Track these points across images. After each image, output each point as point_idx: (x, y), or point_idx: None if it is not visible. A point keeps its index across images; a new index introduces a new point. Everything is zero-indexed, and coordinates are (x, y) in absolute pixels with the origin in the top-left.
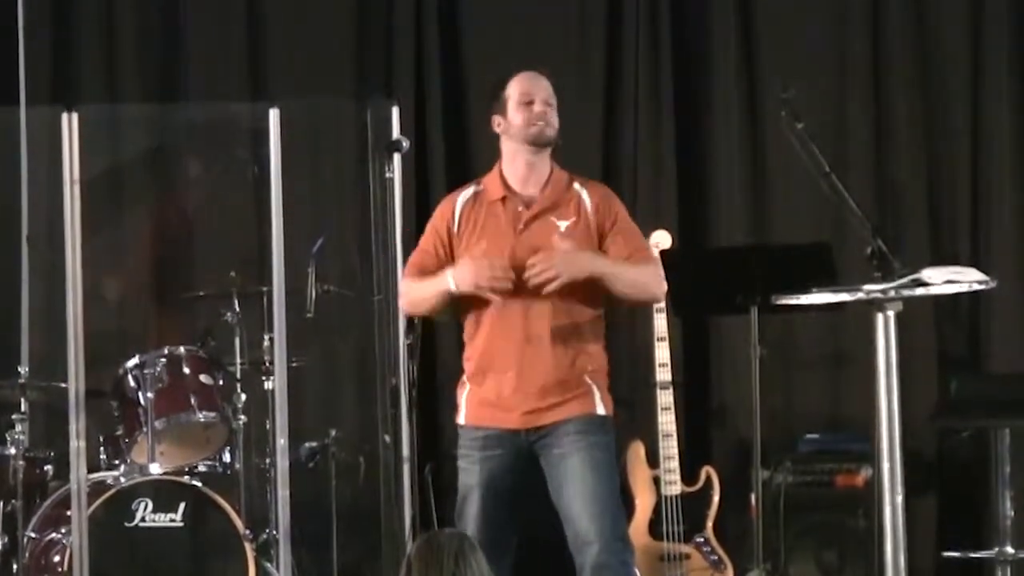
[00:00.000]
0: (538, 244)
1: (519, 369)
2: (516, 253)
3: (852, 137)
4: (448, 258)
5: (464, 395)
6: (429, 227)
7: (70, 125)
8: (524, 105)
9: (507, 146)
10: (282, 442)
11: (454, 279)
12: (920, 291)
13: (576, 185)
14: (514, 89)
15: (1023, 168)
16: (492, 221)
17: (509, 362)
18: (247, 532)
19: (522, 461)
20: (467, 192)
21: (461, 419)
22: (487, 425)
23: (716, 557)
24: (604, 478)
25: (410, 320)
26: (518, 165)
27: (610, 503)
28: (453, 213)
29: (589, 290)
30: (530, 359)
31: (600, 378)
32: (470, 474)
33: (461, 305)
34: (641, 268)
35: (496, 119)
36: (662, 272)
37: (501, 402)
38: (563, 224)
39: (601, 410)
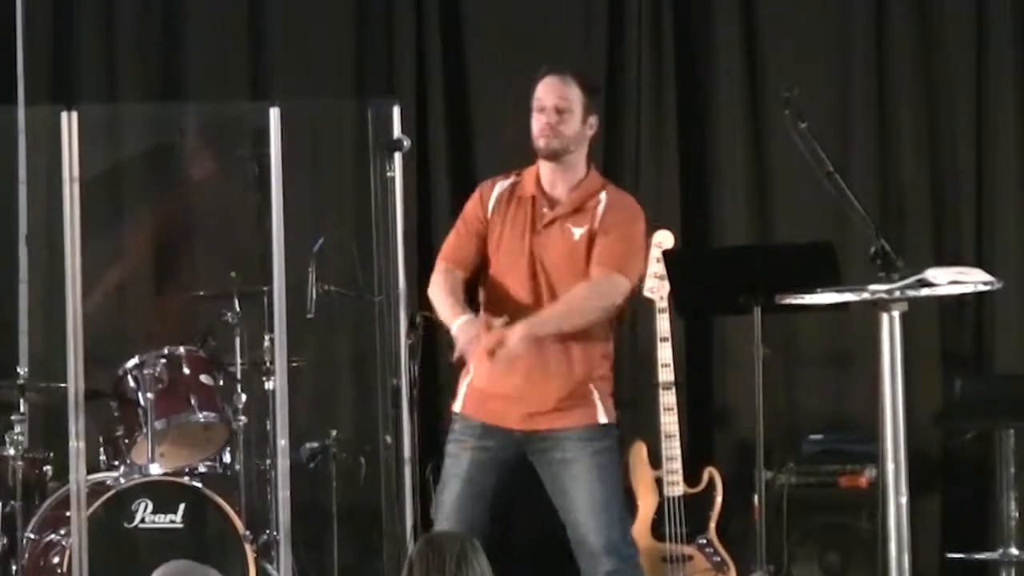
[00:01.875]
0: (552, 247)
1: (526, 370)
2: (532, 251)
3: (855, 137)
4: (481, 242)
5: (466, 382)
6: (468, 209)
7: (69, 124)
8: (536, 113)
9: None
10: (282, 443)
11: (455, 332)
12: (925, 291)
13: (603, 194)
14: (535, 93)
15: None
16: (519, 217)
17: (516, 361)
18: (247, 533)
19: (510, 460)
20: (505, 183)
21: (458, 407)
22: (483, 419)
23: (719, 558)
24: (611, 486)
25: (411, 320)
26: (544, 171)
27: (617, 511)
28: (488, 200)
29: None
30: (537, 361)
31: (604, 384)
32: (456, 462)
33: (482, 294)
34: (575, 294)
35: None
36: (617, 290)
37: (502, 399)
38: (577, 232)
39: (603, 418)
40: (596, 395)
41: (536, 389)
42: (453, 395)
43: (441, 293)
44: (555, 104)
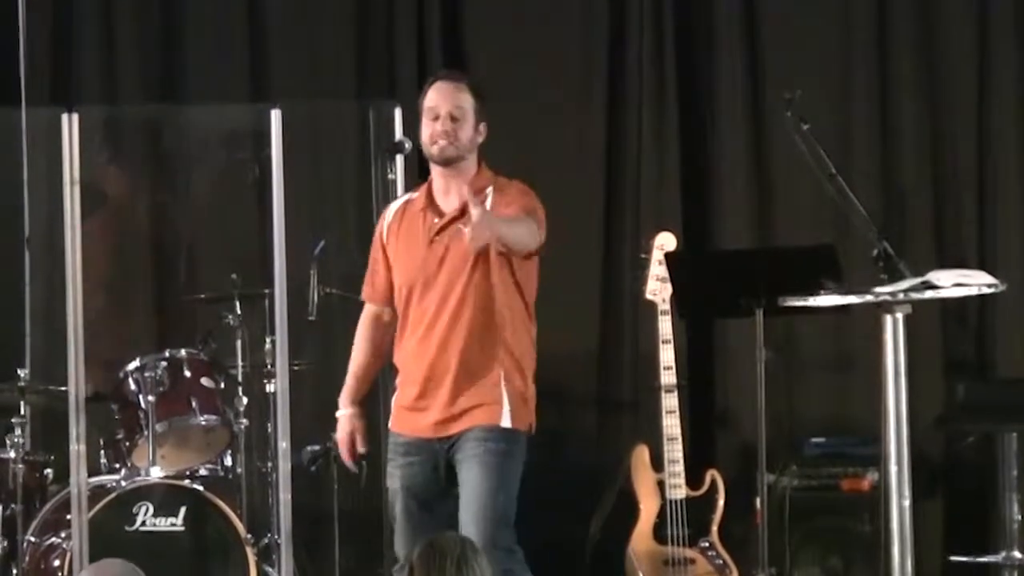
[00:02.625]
0: (448, 253)
1: (428, 376)
2: (427, 264)
3: (857, 139)
4: (387, 271)
5: (393, 399)
6: (373, 238)
7: (70, 126)
8: (429, 120)
9: (426, 156)
10: (284, 445)
11: (339, 416)
12: (929, 294)
13: (489, 188)
14: (426, 99)
15: None
16: (412, 231)
17: (420, 369)
18: (248, 536)
19: (441, 469)
20: (398, 203)
21: (391, 424)
22: (405, 432)
23: (721, 561)
24: (490, 482)
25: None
26: (436, 178)
27: (490, 509)
28: (384, 226)
29: (500, 289)
30: (438, 367)
31: (514, 387)
32: (393, 479)
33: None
34: (521, 220)
35: (420, 131)
36: (536, 226)
37: (415, 409)
38: (468, 229)
39: (507, 422)
40: (504, 397)
41: (440, 395)
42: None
43: (352, 356)
44: (449, 111)
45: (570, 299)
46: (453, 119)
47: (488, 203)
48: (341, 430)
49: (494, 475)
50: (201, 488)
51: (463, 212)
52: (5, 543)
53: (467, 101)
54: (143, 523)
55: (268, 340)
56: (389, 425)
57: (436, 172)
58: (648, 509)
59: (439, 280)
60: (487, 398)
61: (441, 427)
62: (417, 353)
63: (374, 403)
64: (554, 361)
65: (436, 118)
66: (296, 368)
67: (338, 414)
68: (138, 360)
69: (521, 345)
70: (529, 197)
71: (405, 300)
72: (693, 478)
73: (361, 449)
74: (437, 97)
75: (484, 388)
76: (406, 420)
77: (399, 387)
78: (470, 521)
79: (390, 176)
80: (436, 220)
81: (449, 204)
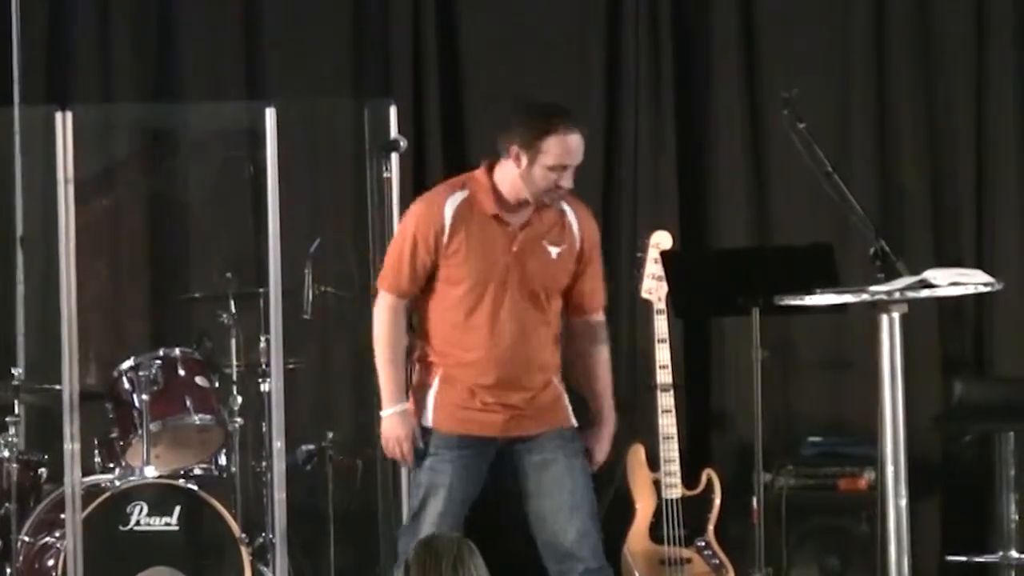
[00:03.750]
0: (531, 267)
1: (506, 382)
2: (510, 273)
3: (854, 138)
4: (432, 267)
5: (431, 395)
6: (411, 233)
7: (64, 124)
8: (552, 170)
9: (515, 176)
10: (278, 445)
11: (384, 417)
12: (926, 293)
13: (564, 205)
14: (551, 150)
15: None
16: (487, 237)
17: (496, 373)
18: (243, 536)
19: (486, 465)
20: (454, 198)
21: (428, 421)
22: (459, 432)
23: (717, 561)
24: (588, 487)
25: (408, 321)
26: (518, 194)
27: (593, 513)
28: (443, 222)
29: (554, 311)
30: (518, 372)
31: (563, 387)
32: (439, 476)
33: (426, 306)
34: (606, 360)
35: (516, 150)
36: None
37: (480, 409)
38: (554, 251)
39: (574, 421)
40: (565, 399)
41: (510, 395)
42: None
43: (385, 351)
44: (574, 167)
45: None
46: (573, 173)
47: (575, 230)
48: (400, 427)
49: (585, 477)
50: (195, 487)
51: (547, 228)
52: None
53: (582, 152)
54: (137, 523)
55: (263, 339)
56: (429, 422)
57: (521, 193)
58: (644, 509)
59: (515, 285)
60: (555, 400)
61: (508, 426)
62: (487, 353)
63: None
64: None
65: (564, 168)
66: (291, 367)
67: (389, 412)
68: (132, 359)
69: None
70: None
71: (473, 300)
72: (689, 477)
73: (419, 445)
74: (568, 155)
75: (550, 388)
76: (463, 417)
77: (449, 382)
78: (577, 533)
79: (385, 174)
80: (514, 229)
81: (523, 213)
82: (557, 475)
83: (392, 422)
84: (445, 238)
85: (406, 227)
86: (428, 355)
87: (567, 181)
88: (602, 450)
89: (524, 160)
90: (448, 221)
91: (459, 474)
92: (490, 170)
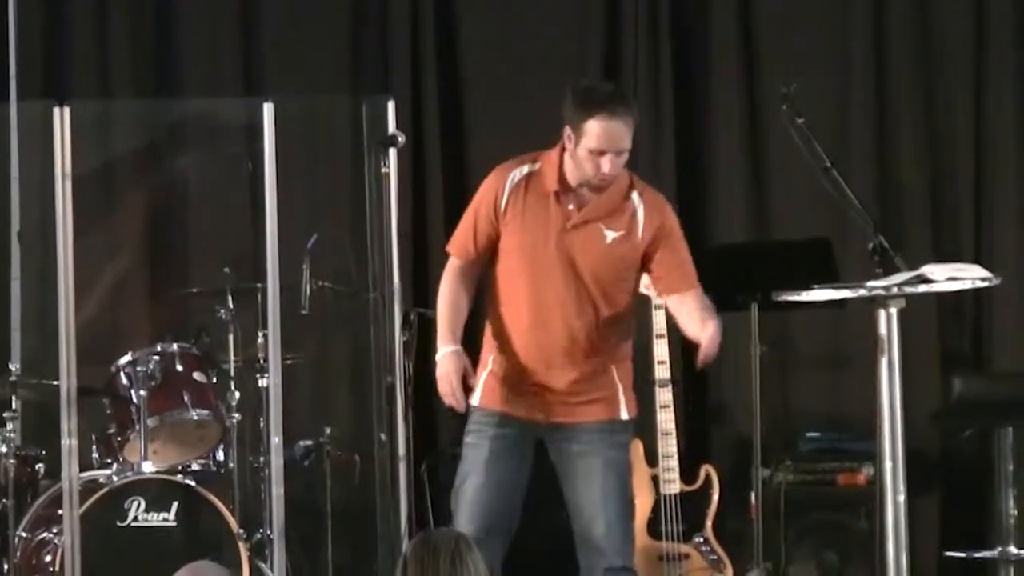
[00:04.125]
0: (581, 249)
1: (548, 363)
2: (559, 251)
3: (853, 134)
4: (495, 237)
5: (484, 375)
6: (478, 199)
7: (62, 120)
8: (595, 154)
9: (572, 164)
10: (276, 440)
11: (439, 357)
12: (923, 288)
13: (634, 195)
14: (593, 131)
15: None
16: (541, 212)
17: (538, 354)
18: (241, 531)
19: (529, 450)
20: (520, 171)
21: (476, 400)
22: (503, 409)
23: (715, 557)
24: (623, 483)
25: (406, 317)
26: (576, 173)
27: (625, 508)
28: (502, 192)
29: (624, 288)
30: (560, 353)
31: (626, 379)
32: (477, 451)
33: (492, 281)
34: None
35: (567, 131)
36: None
37: (524, 391)
38: (610, 235)
39: (625, 414)
40: (620, 389)
41: (559, 382)
42: (469, 390)
43: (444, 301)
44: (618, 150)
45: None
46: (618, 154)
47: (639, 218)
48: (450, 364)
49: (622, 472)
50: (193, 483)
51: (605, 213)
52: None
53: (631, 139)
54: (135, 518)
55: (261, 334)
56: (476, 401)
57: (577, 173)
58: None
59: (577, 272)
60: (607, 389)
61: (554, 412)
62: (536, 336)
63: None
64: None
65: (603, 154)
66: (289, 362)
67: (441, 353)
68: (130, 354)
69: (631, 331)
70: (682, 235)
71: (522, 276)
72: (688, 473)
73: (471, 383)
74: (610, 138)
75: (604, 378)
76: (508, 399)
77: (499, 364)
78: (605, 525)
79: (383, 170)
80: (572, 207)
81: (584, 193)
82: (593, 468)
83: (443, 360)
84: (502, 206)
85: (477, 194)
86: (487, 336)
87: (607, 166)
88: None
89: (572, 141)
90: (507, 190)
91: (498, 451)
92: (564, 149)
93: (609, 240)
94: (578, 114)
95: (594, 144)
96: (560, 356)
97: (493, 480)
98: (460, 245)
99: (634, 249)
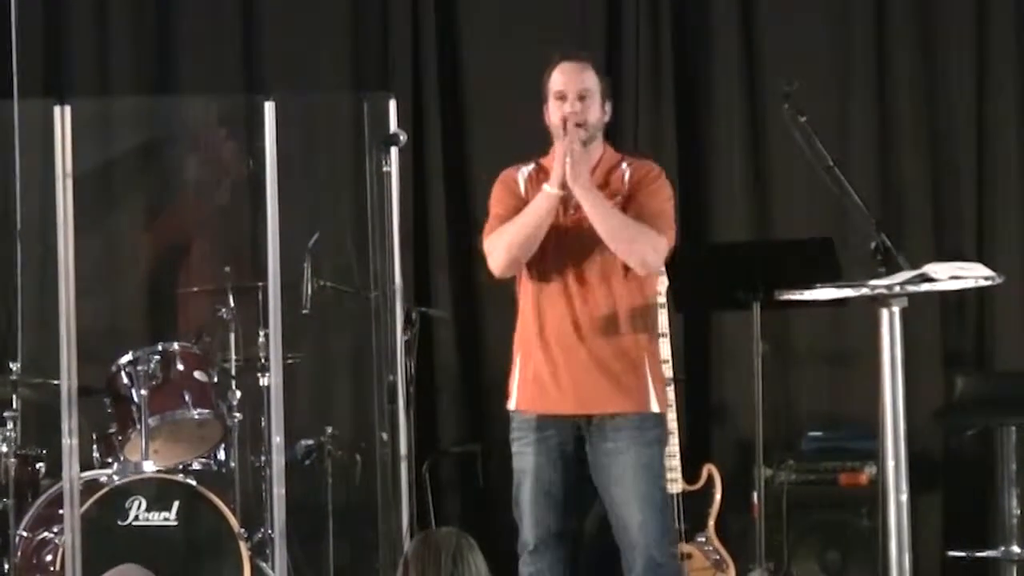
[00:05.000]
0: (585, 231)
1: (573, 346)
2: (566, 236)
3: (855, 132)
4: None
5: (516, 378)
6: (499, 195)
7: (62, 118)
8: (557, 101)
9: (554, 137)
10: (278, 440)
11: (552, 184)
12: (926, 286)
13: (623, 164)
14: (555, 79)
15: None
16: None
17: (562, 339)
18: (242, 531)
19: (574, 450)
20: (527, 168)
21: (512, 404)
22: (538, 410)
23: (718, 556)
24: (656, 480)
25: (407, 316)
26: (559, 146)
27: (661, 503)
28: (517, 182)
29: (641, 281)
30: (584, 334)
31: (656, 372)
32: (524, 458)
33: (516, 281)
34: (634, 223)
35: (545, 111)
36: (659, 245)
37: (554, 384)
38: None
39: (655, 407)
40: (650, 381)
41: (583, 372)
42: (505, 395)
43: (504, 227)
44: (578, 91)
45: None
46: (580, 98)
47: (626, 178)
48: (557, 154)
49: (655, 468)
50: (194, 482)
51: (598, 186)
52: None
53: (592, 81)
54: (136, 518)
55: (262, 333)
56: (513, 405)
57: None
58: None
59: (578, 252)
60: (636, 379)
61: (583, 403)
62: (556, 326)
63: (368, 402)
64: None
65: (564, 99)
66: (290, 361)
67: (549, 192)
68: (131, 353)
69: (655, 323)
70: (666, 189)
71: (544, 269)
72: (690, 472)
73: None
74: (563, 79)
75: (629, 367)
76: (536, 397)
77: (525, 363)
78: (638, 523)
79: (385, 168)
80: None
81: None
82: (627, 464)
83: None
84: (522, 192)
85: (492, 198)
86: (516, 341)
87: (569, 107)
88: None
89: (547, 108)
90: (522, 181)
91: (542, 456)
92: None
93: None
94: (546, 78)
95: (558, 87)
96: (585, 336)
97: (544, 485)
98: (493, 227)
99: (628, 208)
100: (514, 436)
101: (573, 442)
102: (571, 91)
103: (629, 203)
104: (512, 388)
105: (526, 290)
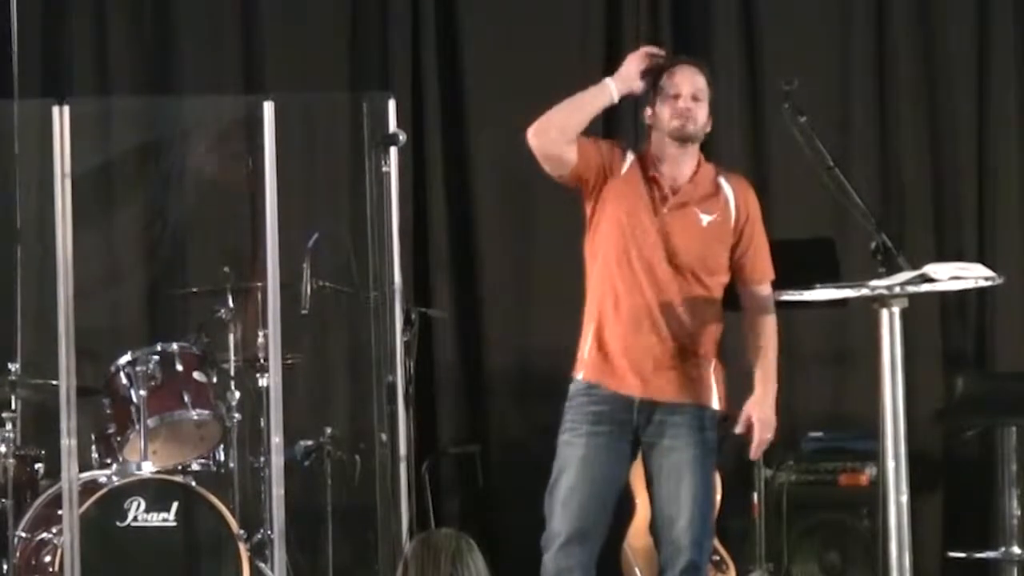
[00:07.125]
0: (680, 230)
1: (644, 330)
2: (658, 231)
3: (855, 133)
4: (594, 167)
5: (586, 349)
6: (607, 145)
7: (61, 118)
8: (671, 98)
9: (656, 137)
10: (277, 440)
11: (617, 83)
12: (926, 287)
13: (721, 180)
14: (671, 80)
15: None
16: (643, 192)
17: (635, 323)
18: (241, 532)
19: (627, 448)
20: (632, 154)
21: (580, 374)
22: (603, 382)
23: (718, 557)
24: (707, 483)
25: (407, 316)
26: (670, 151)
27: (705, 508)
28: (624, 155)
29: (718, 270)
30: (657, 322)
31: (720, 376)
32: (572, 449)
33: (592, 253)
34: (771, 332)
35: (647, 111)
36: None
37: (623, 360)
38: (705, 219)
39: (716, 404)
40: (714, 380)
41: (655, 349)
42: (573, 363)
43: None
44: (692, 92)
45: (567, 294)
46: (694, 98)
47: (729, 197)
48: (631, 65)
49: (707, 470)
50: (193, 483)
51: (699, 197)
52: None
53: (705, 85)
54: (135, 518)
55: (261, 334)
56: (582, 375)
57: (665, 151)
58: (644, 504)
59: (662, 250)
60: (700, 376)
61: (649, 385)
62: (626, 313)
63: (367, 402)
64: (551, 356)
65: (677, 96)
66: (289, 362)
67: (617, 79)
68: (130, 354)
69: (721, 321)
70: (758, 207)
71: (618, 258)
72: None
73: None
74: (680, 78)
75: (697, 365)
76: (604, 371)
77: (599, 335)
78: (683, 521)
79: (384, 168)
80: (669, 191)
81: (676, 180)
82: (678, 464)
83: (622, 76)
84: (623, 167)
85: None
86: (587, 313)
87: (684, 102)
88: (758, 432)
89: (652, 111)
90: (628, 159)
91: (593, 449)
92: (650, 145)
93: (705, 223)
94: (658, 81)
95: (673, 90)
96: (658, 325)
97: (587, 481)
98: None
99: (728, 233)
100: (566, 427)
101: (626, 440)
102: (686, 89)
103: (741, 234)
104: (582, 358)
105: (607, 264)
